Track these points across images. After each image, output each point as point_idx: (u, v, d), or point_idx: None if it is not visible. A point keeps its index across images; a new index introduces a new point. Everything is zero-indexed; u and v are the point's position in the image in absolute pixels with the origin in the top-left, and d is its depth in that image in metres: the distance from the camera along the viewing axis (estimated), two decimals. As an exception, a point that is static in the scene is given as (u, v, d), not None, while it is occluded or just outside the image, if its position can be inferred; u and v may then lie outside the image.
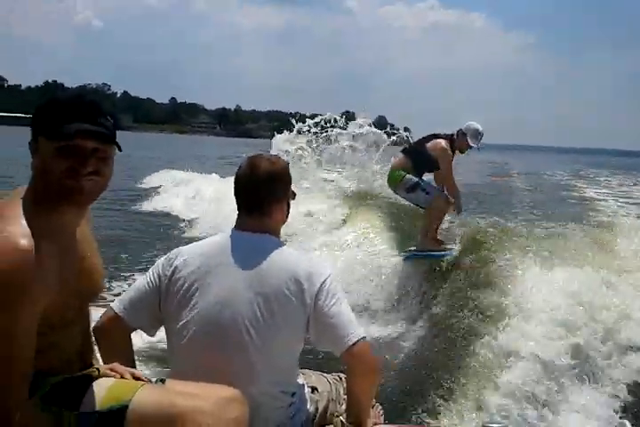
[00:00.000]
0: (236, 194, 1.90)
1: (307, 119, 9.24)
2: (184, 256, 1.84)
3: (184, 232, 9.14)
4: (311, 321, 1.76)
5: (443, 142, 5.51)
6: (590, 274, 4.16)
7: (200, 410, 1.49)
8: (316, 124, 9.09)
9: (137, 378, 1.62)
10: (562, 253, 4.59)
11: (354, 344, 1.74)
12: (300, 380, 1.95)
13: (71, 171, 1.37)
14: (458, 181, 5.75)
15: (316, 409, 1.95)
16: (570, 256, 4.55)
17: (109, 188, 1.49)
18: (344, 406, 1.96)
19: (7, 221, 1.34)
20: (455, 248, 5.45)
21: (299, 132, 9.17)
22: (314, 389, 1.98)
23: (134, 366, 1.81)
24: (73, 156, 1.37)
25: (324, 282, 1.78)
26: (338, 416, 1.96)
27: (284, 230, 1.98)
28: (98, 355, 1.76)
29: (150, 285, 1.84)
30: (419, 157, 5.60)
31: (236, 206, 1.91)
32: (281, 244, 1.88)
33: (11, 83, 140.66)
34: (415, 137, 6.32)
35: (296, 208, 1.99)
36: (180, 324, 1.77)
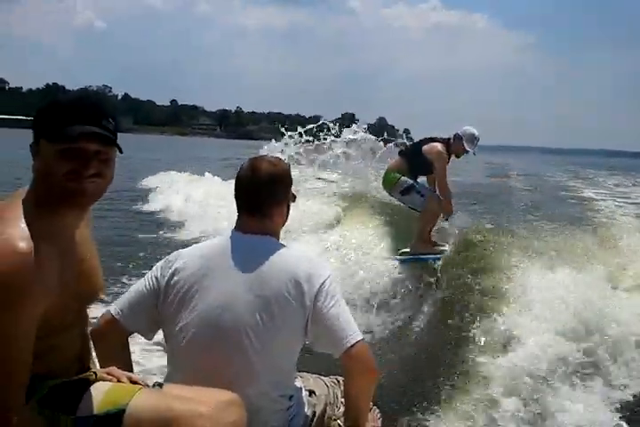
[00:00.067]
0: (237, 195, 1.90)
1: (298, 126, 9.07)
2: (183, 259, 1.84)
3: (176, 235, 9.12)
4: (310, 323, 1.77)
5: (439, 146, 5.54)
6: (590, 273, 4.16)
7: (198, 414, 1.49)
8: (307, 132, 8.96)
9: (134, 382, 1.62)
10: (562, 252, 4.60)
11: (352, 346, 1.74)
12: (298, 383, 1.95)
13: (73, 173, 1.37)
14: (457, 182, 5.77)
15: (314, 413, 1.95)
16: (569, 255, 4.56)
17: (110, 189, 1.50)
18: (342, 410, 1.96)
19: (7, 223, 1.35)
20: (448, 250, 5.47)
21: (288, 139, 8.96)
22: (311, 392, 1.98)
23: (131, 370, 1.81)
24: (75, 158, 1.37)
25: (323, 283, 1.78)
26: (335, 420, 1.97)
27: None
28: (95, 358, 1.77)
29: (148, 288, 1.84)
30: (414, 159, 5.62)
31: (237, 208, 1.91)
32: (281, 245, 1.88)
33: (12, 85, 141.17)
34: (417, 138, 6.33)
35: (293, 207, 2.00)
36: (179, 326, 1.78)
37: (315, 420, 1.94)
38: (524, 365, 3.24)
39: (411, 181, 5.63)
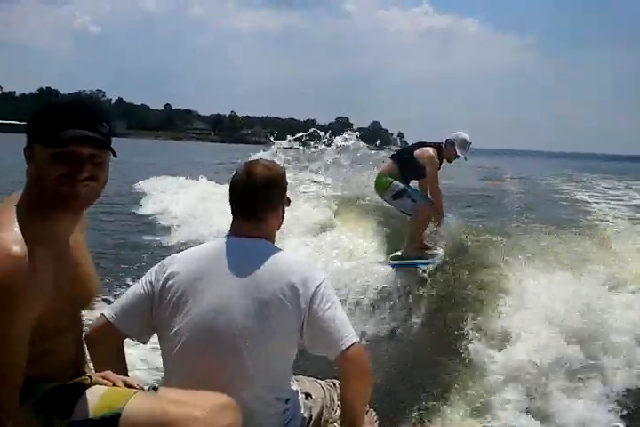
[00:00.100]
0: (232, 199, 1.90)
1: (287, 135, 9.03)
2: (177, 263, 1.84)
3: (169, 238, 9.10)
4: (305, 325, 1.77)
5: (430, 150, 5.60)
6: (588, 274, 4.19)
7: (193, 418, 1.49)
8: (297, 140, 8.93)
9: (129, 386, 1.62)
10: (555, 254, 4.63)
11: (348, 348, 1.74)
12: (294, 386, 1.95)
13: (67, 177, 1.37)
14: (451, 185, 5.82)
15: (310, 416, 1.95)
16: (564, 255, 4.59)
17: (103, 193, 1.49)
18: (338, 413, 1.96)
19: (0, 227, 1.35)
20: (441, 253, 5.50)
21: (277, 148, 8.91)
22: (307, 395, 1.98)
23: (126, 374, 1.81)
24: (68, 162, 1.38)
25: (318, 286, 1.78)
26: (332, 423, 1.97)
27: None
28: (90, 363, 1.76)
29: (143, 292, 1.84)
30: (406, 163, 5.68)
31: (231, 212, 1.91)
32: (276, 248, 1.88)
33: (5, 90, 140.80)
34: (412, 141, 6.37)
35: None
36: (173, 330, 1.77)
37: (311, 423, 1.94)
38: (521, 365, 3.25)
39: (402, 186, 5.68)
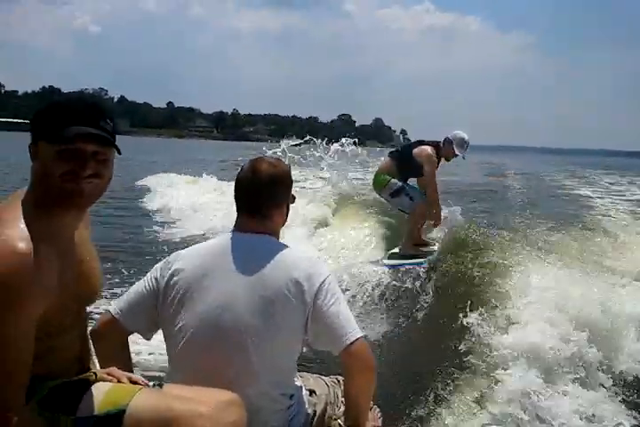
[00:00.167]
0: (237, 196, 1.91)
1: (283, 140, 9.02)
2: (182, 260, 1.84)
3: (173, 235, 9.12)
4: (310, 321, 1.77)
5: (428, 149, 5.64)
6: (589, 271, 4.17)
7: (198, 414, 1.49)
8: (296, 146, 8.94)
9: (134, 382, 1.62)
10: (559, 251, 4.62)
11: (352, 343, 1.74)
12: (298, 382, 1.95)
13: (71, 173, 1.38)
14: (456, 181, 5.84)
15: (314, 412, 1.95)
16: (565, 253, 4.58)
17: (107, 190, 1.50)
18: (342, 409, 1.96)
19: (6, 224, 1.35)
20: (436, 250, 5.50)
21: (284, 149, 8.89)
22: (312, 392, 1.99)
23: (131, 370, 1.81)
24: (73, 159, 1.38)
25: (323, 282, 1.79)
26: (336, 419, 1.96)
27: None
28: (95, 359, 1.77)
29: (148, 288, 1.84)
30: (404, 162, 5.71)
31: (236, 209, 1.92)
32: (281, 244, 1.88)
33: (8, 88, 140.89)
34: (415, 138, 6.40)
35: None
36: (178, 326, 1.78)
37: (315, 419, 1.94)
38: (520, 366, 3.24)
39: (400, 184, 5.72)
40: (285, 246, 1.88)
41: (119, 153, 1.47)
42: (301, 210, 7.75)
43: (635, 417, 3.13)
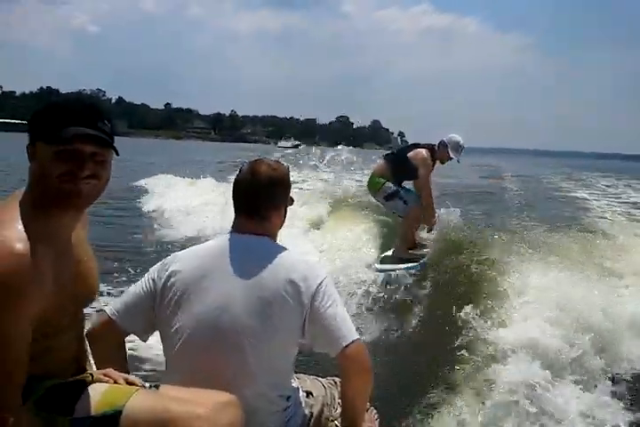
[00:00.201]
0: (236, 198, 1.91)
1: (278, 141, 9.16)
2: (180, 261, 1.84)
3: (170, 236, 9.11)
4: (307, 322, 1.77)
5: (423, 152, 5.64)
6: (587, 273, 4.18)
7: (195, 415, 1.49)
8: (294, 147, 9.08)
9: (131, 383, 1.62)
10: (555, 252, 4.62)
11: (348, 345, 1.75)
12: (295, 384, 1.95)
13: (68, 174, 1.38)
14: (453, 183, 5.85)
15: (311, 414, 1.95)
16: (564, 254, 4.58)
17: (106, 190, 1.50)
18: (339, 411, 1.96)
19: (3, 224, 1.35)
20: (430, 252, 5.50)
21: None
22: (308, 393, 1.99)
23: (128, 371, 1.81)
24: (70, 159, 1.38)
25: (320, 284, 1.79)
26: (332, 421, 1.97)
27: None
28: (91, 360, 1.76)
29: (145, 290, 1.84)
30: (399, 164, 5.71)
31: (234, 210, 1.92)
32: (279, 246, 1.89)
33: (5, 89, 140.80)
34: (412, 140, 6.45)
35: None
36: (175, 328, 1.78)
37: (312, 421, 1.94)
38: (523, 361, 3.24)
39: (395, 187, 5.72)
40: (283, 248, 1.88)
41: (117, 154, 1.47)
42: (298, 211, 7.75)
43: (634, 417, 3.14)
